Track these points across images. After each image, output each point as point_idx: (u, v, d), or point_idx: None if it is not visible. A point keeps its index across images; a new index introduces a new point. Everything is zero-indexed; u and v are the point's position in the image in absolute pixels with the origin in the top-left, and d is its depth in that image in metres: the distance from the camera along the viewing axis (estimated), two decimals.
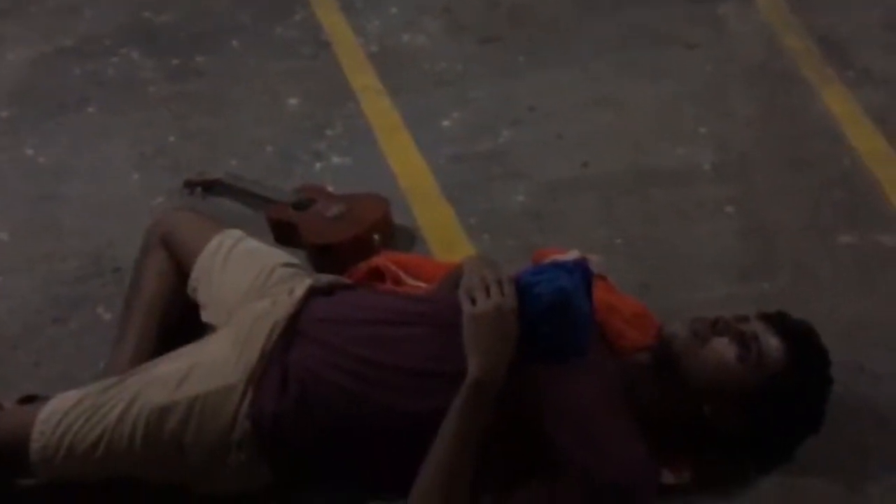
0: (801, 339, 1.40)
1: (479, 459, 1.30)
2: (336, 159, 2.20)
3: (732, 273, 1.81)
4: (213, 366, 1.42)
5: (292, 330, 1.46)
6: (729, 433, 1.38)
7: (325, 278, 1.60)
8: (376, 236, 1.90)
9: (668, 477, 1.37)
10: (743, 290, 1.76)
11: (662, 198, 2.01)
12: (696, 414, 1.38)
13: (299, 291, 1.52)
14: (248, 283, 1.59)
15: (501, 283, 1.32)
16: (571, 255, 1.59)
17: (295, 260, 1.71)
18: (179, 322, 1.65)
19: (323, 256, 1.88)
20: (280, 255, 1.70)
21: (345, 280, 1.63)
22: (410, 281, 1.76)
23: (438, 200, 2.08)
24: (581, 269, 1.34)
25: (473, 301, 1.31)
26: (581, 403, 1.34)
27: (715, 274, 1.82)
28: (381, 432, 1.38)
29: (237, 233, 1.70)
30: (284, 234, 1.95)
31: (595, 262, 1.62)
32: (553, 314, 1.29)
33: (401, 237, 1.97)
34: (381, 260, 1.79)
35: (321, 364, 1.40)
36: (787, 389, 1.35)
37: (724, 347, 1.37)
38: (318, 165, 2.19)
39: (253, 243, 1.70)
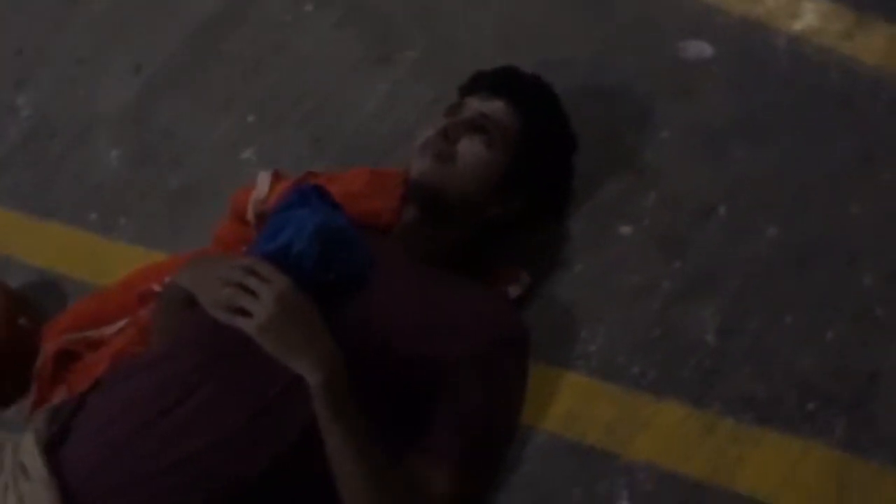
0: (510, 84, 1.31)
1: (379, 434, 1.12)
2: None
3: (373, 67, 1.61)
4: None
5: None
6: (519, 215, 1.30)
7: (42, 420, 1.19)
8: (21, 321, 1.46)
9: (513, 292, 1.29)
10: (396, 73, 1.58)
11: (243, 46, 1.70)
12: (486, 223, 1.28)
13: (37, 466, 1.11)
14: None
15: (255, 272, 1.05)
16: (263, 178, 1.33)
17: None
18: None
19: None
20: None
21: (66, 401, 1.22)
22: (104, 331, 1.40)
23: (29, 222, 1.64)
24: (308, 191, 1.11)
25: (244, 311, 1.05)
26: (408, 308, 1.17)
27: (361, 82, 1.60)
28: (259, 499, 1.13)
29: None
30: None
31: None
32: (327, 259, 1.07)
33: (42, 294, 1.53)
34: (53, 342, 1.38)
35: None
36: (537, 135, 1.28)
37: (470, 148, 1.25)
38: None
39: None
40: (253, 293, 1.04)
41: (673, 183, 1.34)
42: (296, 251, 1.06)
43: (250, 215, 1.32)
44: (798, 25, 1.43)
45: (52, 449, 1.14)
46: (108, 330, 1.41)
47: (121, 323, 1.41)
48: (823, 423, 1.12)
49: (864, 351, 1.15)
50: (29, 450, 1.15)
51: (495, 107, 1.28)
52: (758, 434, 1.14)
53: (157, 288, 1.43)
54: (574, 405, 1.22)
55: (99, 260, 1.57)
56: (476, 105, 1.28)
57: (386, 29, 1.66)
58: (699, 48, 1.43)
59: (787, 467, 1.11)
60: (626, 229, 1.33)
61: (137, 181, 1.63)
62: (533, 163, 1.28)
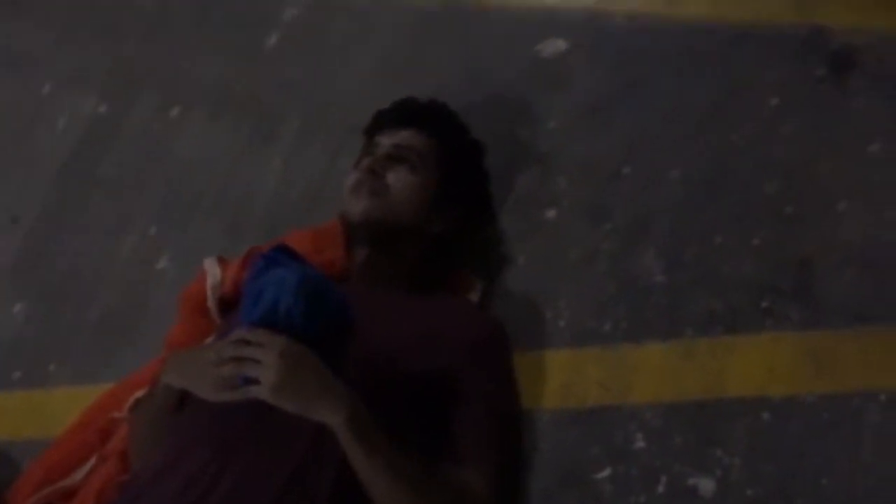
0: (411, 112, 1.41)
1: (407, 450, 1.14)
2: None
3: (261, 147, 1.65)
4: None
5: None
6: (457, 224, 1.39)
7: None
8: None
9: (473, 297, 1.36)
10: (285, 145, 1.63)
11: (119, 164, 1.71)
12: (432, 239, 1.37)
13: None
14: None
15: (248, 340, 1.07)
16: (211, 264, 1.33)
17: None
18: None
19: None
20: None
21: None
22: (75, 476, 1.36)
23: None
24: (272, 254, 1.14)
25: (253, 380, 1.06)
26: (394, 333, 1.22)
27: (255, 164, 1.65)
28: None
29: None
30: None
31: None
32: (314, 309, 1.10)
33: None
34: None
35: None
36: (450, 149, 1.39)
37: (397, 177, 1.34)
38: None
39: None
40: (254, 361, 1.06)
41: (575, 162, 1.46)
42: (284, 309, 1.09)
43: (211, 302, 1.33)
44: (626, 5, 1.61)
45: None
46: (79, 474, 1.37)
47: (88, 464, 1.37)
48: (780, 313, 1.24)
49: (789, 243, 1.29)
50: None
51: (405, 136, 1.37)
52: (730, 343, 1.24)
53: (118, 415, 1.40)
54: (565, 377, 1.29)
55: (40, 414, 1.50)
56: (387, 140, 1.37)
57: (259, 110, 1.72)
58: (554, 45, 1.58)
59: (766, 362, 1.22)
60: (551, 213, 1.44)
61: (54, 326, 1.58)
62: (455, 174, 1.38)
